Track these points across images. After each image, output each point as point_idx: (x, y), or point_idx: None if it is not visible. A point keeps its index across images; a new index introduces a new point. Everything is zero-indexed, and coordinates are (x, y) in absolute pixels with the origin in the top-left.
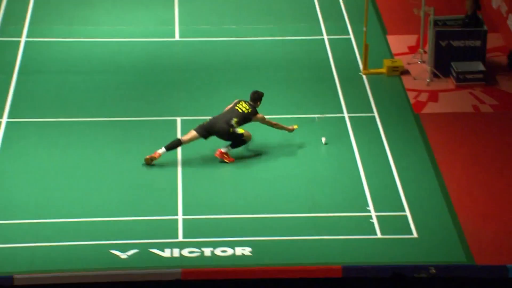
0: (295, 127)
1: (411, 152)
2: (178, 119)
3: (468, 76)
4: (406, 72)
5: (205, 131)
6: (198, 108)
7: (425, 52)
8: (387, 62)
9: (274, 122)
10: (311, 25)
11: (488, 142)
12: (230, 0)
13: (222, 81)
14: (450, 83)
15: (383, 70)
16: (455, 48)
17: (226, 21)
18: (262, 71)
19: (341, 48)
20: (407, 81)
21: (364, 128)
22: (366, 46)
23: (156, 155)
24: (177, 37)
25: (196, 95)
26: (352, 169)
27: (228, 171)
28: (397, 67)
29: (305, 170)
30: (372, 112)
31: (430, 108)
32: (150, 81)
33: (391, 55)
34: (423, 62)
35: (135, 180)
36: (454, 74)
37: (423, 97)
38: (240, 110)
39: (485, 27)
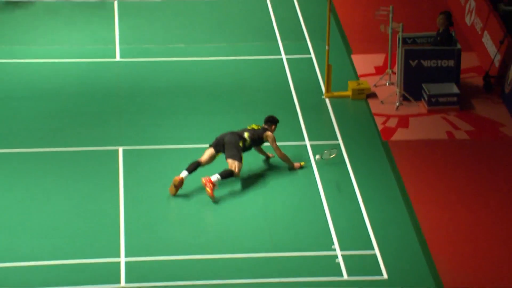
0: (302, 164)
1: (379, 183)
2: (120, 149)
3: (441, 100)
4: (373, 95)
5: (217, 142)
6: (142, 136)
7: (393, 73)
8: (352, 84)
9: (281, 151)
10: (267, 44)
11: (463, 172)
12: (177, 16)
13: (170, 106)
14: (421, 107)
15: (348, 93)
16: (426, 68)
17: (174, 39)
18: (214, 94)
19: (302, 69)
20: (374, 105)
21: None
22: (329, 66)
23: (177, 181)
24: (117, 58)
25: (140, 122)
26: (315, 203)
27: (175, 208)
28: (363, 89)
29: (264, 204)
30: (337, 139)
31: (400, 135)
32: (88, 106)
33: (357, 77)
34: (392, 84)
35: (71, 220)
36: (426, 97)
37: (392, 122)
38: (250, 128)
39: (459, 46)
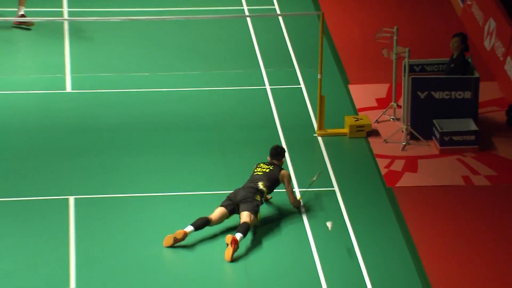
0: (299, 198)
1: (383, 238)
2: (71, 198)
3: (456, 138)
4: (374, 132)
5: (229, 201)
6: (98, 183)
7: (398, 106)
8: (349, 120)
9: (289, 186)
10: (249, 72)
11: (483, 225)
12: (140, 39)
13: (131, 146)
14: (432, 147)
15: (345, 130)
16: (438, 101)
17: (135, 66)
18: (185, 132)
19: (289, 101)
20: (376, 144)
21: (321, 208)
22: (322, 98)
23: (180, 234)
24: (68, 89)
25: (95, 166)
26: (307, 264)
27: (136, 268)
28: (362, 126)
29: (247, 265)
30: (332, 186)
31: (407, 180)
32: (33, 146)
33: (355, 111)
34: (397, 119)
35: (13, 283)
36: (438, 135)
37: (398, 165)
38: (261, 173)
39: (477, 74)
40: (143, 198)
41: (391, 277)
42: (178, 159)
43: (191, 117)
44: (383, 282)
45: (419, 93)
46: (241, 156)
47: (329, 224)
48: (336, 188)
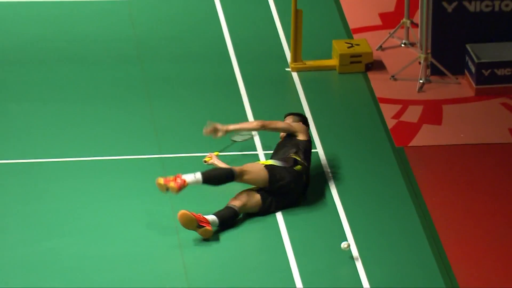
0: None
1: (394, 222)
2: None
3: (501, 72)
4: (377, 65)
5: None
6: None
7: (414, 25)
8: (339, 46)
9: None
10: None
11: None
12: None
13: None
14: (465, 86)
15: (333, 61)
16: (473, 15)
17: None
18: (99, 64)
19: (248, 19)
20: (379, 83)
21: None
22: (298, 14)
23: (178, 184)
24: None
25: None
26: (278, 252)
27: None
28: (359, 55)
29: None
30: (314, 147)
31: (426, 138)
32: None
33: (348, 33)
34: (411, 45)
35: None
36: (473, 68)
37: (412, 115)
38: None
39: None
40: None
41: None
42: (84, 109)
43: (112, 43)
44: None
45: (445, 4)
46: (177, 103)
47: (345, 245)
48: (319, 149)
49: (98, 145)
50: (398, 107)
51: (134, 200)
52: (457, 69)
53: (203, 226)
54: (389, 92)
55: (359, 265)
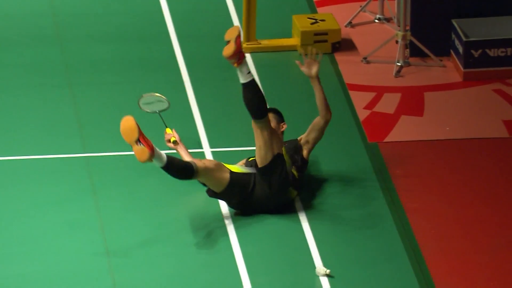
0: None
1: (367, 234)
2: None
3: (493, 53)
4: (346, 44)
5: None
6: None
7: None
8: (301, 23)
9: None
10: None
11: None
12: None
13: None
14: (450, 69)
15: (293, 41)
16: None
17: None
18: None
19: None
20: (349, 67)
21: None
22: None
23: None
24: None
25: None
26: (228, 268)
27: None
28: (324, 33)
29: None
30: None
31: (405, 131)
32: None
33: (311, 7)
34: (386, 20)
35: None
36: (460, 47)
37: (388, 104)
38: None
39: None
40: None
41: None
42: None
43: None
44: None
45: None
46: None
47: (321, 271)
48: None
49: (9, 143)
50: (371, 95)
51: (54, 208)
52: (442, 49)
53: (143, 145)
54: (361, 77)
55: (324, 282)
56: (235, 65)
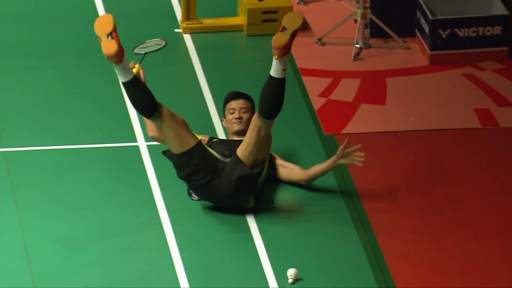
0: None
1: (324, 237)
2: None
3: (464, 33)
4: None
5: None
6: None
7: None
8: None
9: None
10: None
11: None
12: None
13: None
14: (415, 51)
15: (238, 20)
16: None
17: None
18: None
19: None
20: (302, 49)
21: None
22: None
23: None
24: None
25: None
26: (167, 278)
27: None
28: (274, 11)
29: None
30: (213, 132)
31: (365, 122)
32: None
33: None
34: None
35: None
36: (426, 26)
37: (346, 91)
38: None
39: None
40: None
41: None
42: None
43: None
44: None
45: None
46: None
47: (291, 275)
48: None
49: None
50: (327, 81)
51: None
52: (406, 29)
53: (113, 40)
54: (315, 61)
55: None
56: (276, 57)
